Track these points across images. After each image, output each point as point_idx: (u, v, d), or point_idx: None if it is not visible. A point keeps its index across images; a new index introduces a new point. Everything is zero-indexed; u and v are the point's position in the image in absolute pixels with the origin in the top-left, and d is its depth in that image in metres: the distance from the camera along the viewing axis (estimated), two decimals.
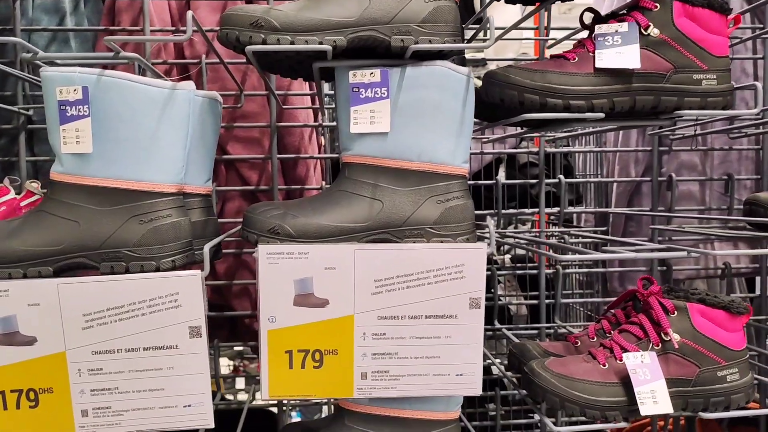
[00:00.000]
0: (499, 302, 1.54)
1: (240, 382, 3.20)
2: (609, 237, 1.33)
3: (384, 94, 0.85)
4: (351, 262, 0.85)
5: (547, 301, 1.49)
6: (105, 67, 0.95)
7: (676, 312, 0.93)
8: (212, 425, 0.86)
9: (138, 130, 0.82)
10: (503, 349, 1.85)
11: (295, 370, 0.87)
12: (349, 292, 0.86)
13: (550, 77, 0.89)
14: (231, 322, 1.54)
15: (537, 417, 1.57)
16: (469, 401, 1.60)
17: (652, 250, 0.94)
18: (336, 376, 0.88)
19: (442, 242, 0.87)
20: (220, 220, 1.35)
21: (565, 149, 1.69)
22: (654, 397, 0.87)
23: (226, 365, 3.30)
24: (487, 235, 0.87)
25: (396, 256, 0.86)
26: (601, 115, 0.89)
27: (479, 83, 0.93)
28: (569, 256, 0.87)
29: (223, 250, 1.43)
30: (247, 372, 3.45)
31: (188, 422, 0.86)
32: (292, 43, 0.81)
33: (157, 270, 0.83)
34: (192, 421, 0.86)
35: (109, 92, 0.81)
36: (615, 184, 1.65)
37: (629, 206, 1.66)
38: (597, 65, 0.89)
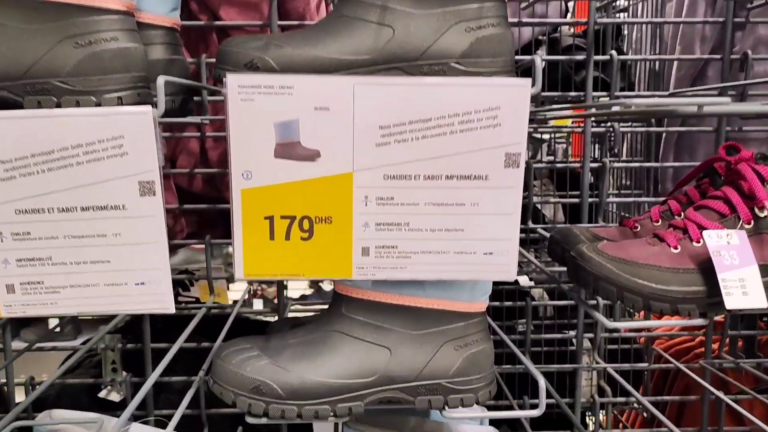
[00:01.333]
0: (534, 203, 1.34)
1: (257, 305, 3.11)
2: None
3: None
4: (349, 102, 0.64)
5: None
6: None
7: None
8: (172, 310, 0.68)
9: None
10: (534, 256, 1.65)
11: (278, 242, 0.68)
12: (347, 141, 0.65)
13: None
14: (225, 219, 1.35)
15: (572, 333, 1.38)
16: (493, 314, 1.42)
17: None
18: (330, 251, 0.68)
19: None
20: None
21: (619, 20, 1.44)
22: (743, 287, 0.67)
23: (244, 288, 3.21)
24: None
25: (409, 95, 0.64)
26: None
27: None
28: (638, 101, 0.66)
29: (216, 133, 1.24)
30: (264, 296, 3.33)
31: (141, 305, 0.68)
32: None
33: (98, 107, 0.64)
34: (145, 303, 0.67)
35: None
36: (675, 67, 1.40)
37: None
38: None
